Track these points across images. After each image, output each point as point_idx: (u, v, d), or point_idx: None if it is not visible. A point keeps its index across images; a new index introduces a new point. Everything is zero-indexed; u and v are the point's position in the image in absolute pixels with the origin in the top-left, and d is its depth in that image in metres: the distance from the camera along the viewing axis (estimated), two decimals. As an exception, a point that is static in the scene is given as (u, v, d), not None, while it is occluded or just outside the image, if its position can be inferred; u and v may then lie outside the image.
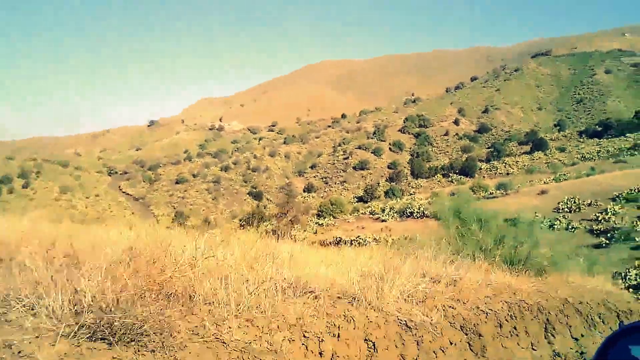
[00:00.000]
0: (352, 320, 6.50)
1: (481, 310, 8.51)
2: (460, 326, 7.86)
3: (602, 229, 39.25)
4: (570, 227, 41.36)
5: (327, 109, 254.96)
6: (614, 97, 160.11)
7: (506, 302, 9.21)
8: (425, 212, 48.21)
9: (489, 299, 9.08)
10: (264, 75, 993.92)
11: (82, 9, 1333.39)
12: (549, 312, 9.84)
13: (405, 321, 7.01)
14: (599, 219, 41.92)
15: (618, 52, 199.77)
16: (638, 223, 36.75)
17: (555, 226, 41.64)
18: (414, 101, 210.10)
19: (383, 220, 52.09)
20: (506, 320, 8.81)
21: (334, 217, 56.81)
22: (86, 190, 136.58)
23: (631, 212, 41.83)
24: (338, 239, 42.48)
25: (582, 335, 10.12)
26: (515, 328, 8.90)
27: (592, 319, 10.70)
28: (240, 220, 69.01)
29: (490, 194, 58.89)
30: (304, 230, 48.11)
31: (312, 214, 61.03)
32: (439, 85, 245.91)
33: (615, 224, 39.17)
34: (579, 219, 43.10)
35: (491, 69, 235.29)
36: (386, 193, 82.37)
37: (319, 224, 53.22)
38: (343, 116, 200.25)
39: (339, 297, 7.19)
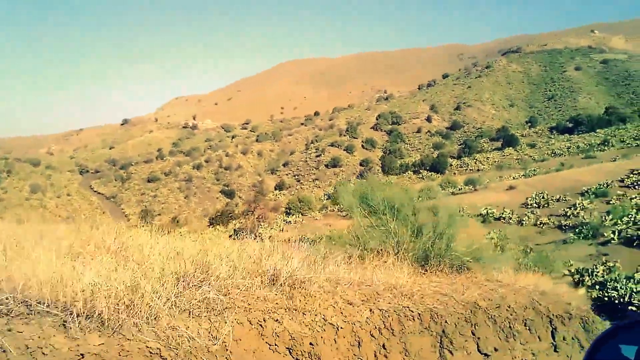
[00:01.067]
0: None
1: (329, 323, 6.39)
2: (287, 348, 5.85)
3: (570, 225, 38.75)
4: (538, 222, 40.96)
5: (300, 106, 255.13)
6: (585, 94, 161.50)
7: (380, 310, 7.10)
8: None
9: (351, 307, 6.91)
10: (238, 74, 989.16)
11: (56, 7, 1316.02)
12: (447, 321, 7.71)
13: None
14: (568, 214, 41.54)
15: (588, 49, 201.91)
16: (606, 218, 36.41)
17: (524, 222, 41.34)
18: (387, 98, 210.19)
19: (351, 217, 51.19)
20: (372, 335, 6.75)
21: (302, 215, 56.03)
22: (57, 189, 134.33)
23: (600, 207, 41.60)
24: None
25: (496, 349, 8.17)
26: (384, 346, 6.76)
27: (511, 327, 8.74)
28: (210, 219, 68.14)
29: (459, 189, 58.61)
30: (271, 228, 47.21)
31: (281, 212, 60.23)
32: (411, 82, 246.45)
33: (584, 219, 38.81)
34: (548, 215, 42.62)
35: (463, 67, 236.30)
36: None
37: (286, 222, 52.39)
38: (316, 114, 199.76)
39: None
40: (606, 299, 18.87)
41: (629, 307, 17.95)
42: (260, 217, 47.22)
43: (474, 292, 9.05)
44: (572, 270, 23.97)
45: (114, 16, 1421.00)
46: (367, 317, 6.88)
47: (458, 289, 9.06)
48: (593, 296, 18.75)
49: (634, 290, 18.82)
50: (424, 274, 10.24)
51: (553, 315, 9.78)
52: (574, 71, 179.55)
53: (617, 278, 20.83)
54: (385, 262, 9.68)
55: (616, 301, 18.63)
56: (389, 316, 7.12)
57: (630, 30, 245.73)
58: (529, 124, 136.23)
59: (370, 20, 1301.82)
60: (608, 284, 20.29)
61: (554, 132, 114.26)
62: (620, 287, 19.43)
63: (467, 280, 10.18)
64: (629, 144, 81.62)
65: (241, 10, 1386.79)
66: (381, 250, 10.97)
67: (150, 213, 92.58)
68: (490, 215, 43.49)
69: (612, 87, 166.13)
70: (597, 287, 20.75)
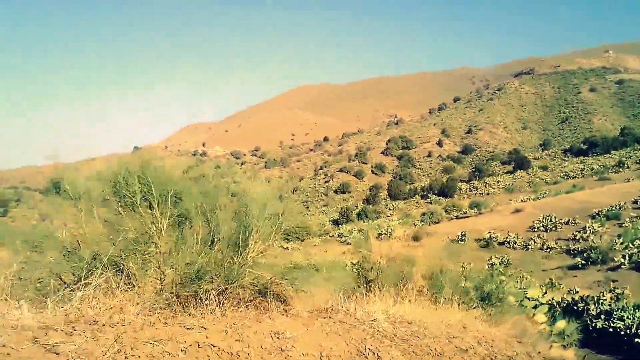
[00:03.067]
0: None
1: None
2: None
3: (579, 249, 36.14)
4: (545, 247, 38.38)
5: (311, 132, 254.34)
6: (600, 115, 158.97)
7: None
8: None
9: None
10: (248, 101, 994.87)
11: (68, 34, 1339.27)
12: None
13: None
14: (577, 237, 38.98)
15: (602, 69, 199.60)
16: (617, 242, 33.70)
17: (530, 246, 38.68)
18: (397, 123, 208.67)
19: (349, 244, 49.17)
20: None
21: (301, 241, 53.70)
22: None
23: (611, 230, 38.92)
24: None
25: None
26: None
27: None
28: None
29: (463, 213, 56.17)
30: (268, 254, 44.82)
31: (279, 238, 57.91)
32: (422, 106, 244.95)
33: (594, 243, 36.11)
34: (555, 239, 40.08)
35: (474, 90, 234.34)
36: (358, 215, 79.20)
37: (283, 248, 50.06)
38: (325, 139, 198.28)
39: None
40: (611, 329, 16.70)
41: (635, 340, 15.66)
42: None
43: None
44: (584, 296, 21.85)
45: (126, 44, 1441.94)
46: None
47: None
48: (598, 326, 16.64)
49: (643, 320, 16.42)
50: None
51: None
52: (589, 92, 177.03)
53: (625, 306, 18.46)
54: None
55: (622, 332, 16.37)
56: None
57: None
58: (542, 147, 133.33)
59: (381, 47, 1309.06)
60: (614, 313, 17.95)
61: (568, 154, 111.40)
62: (627, 317, 17.07)
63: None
64: (645, 165, 78.88)
65: (252, 37, 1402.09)
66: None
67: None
68: (494, 239, 41.02)
69: (627, 108, 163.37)
70: (603, 316, 18.40)
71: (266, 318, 6.67)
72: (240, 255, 7.38)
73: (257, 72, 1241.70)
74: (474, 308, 11.89)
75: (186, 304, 6.45)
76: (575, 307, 20.15)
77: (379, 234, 48.22)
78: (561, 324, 15.41)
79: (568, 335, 14.81)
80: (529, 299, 16.39)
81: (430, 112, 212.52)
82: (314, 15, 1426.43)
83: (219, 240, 7.41)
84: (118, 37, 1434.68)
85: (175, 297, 6.43)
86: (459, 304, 11.39)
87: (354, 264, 19.21)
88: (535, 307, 16.04)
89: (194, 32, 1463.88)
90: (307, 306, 7.75)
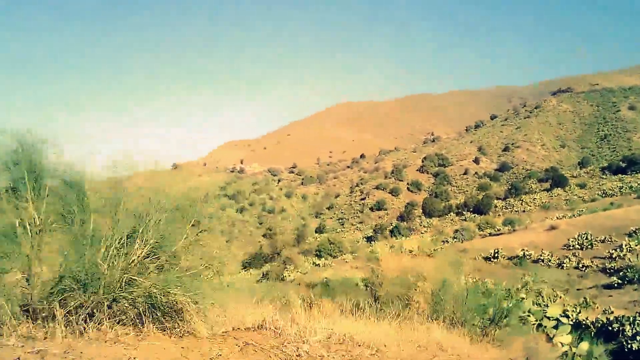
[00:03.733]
0: None
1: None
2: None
3: (615, 268, 35.59)
4: (580, 265, 38.03)
5: (349, 149, 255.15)
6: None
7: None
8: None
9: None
10: (288, 118, 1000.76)
11: (105, 51, 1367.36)
12: None
13: None
14: (613, 256, 38.30)
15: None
16: (655, 260, 33.53)
17: (564, 265, 38.42)
18: (433, 140, 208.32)
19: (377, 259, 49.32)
20: None
21: (332, 257, 54.33)
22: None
23: (649, 249, 38.57)
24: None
25: None
26: None
27: None
28: (243, 262, 67.05)
29: (497, 230, 56.02)
30: (297, 271, 45.61)
31: (312, 254, 58.60)
32: (458, 125, 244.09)
33: (630, 261, 35.92)
34: (591, 257, 39.53)
35: (511, 107, 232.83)
36: (391, 232, 79.49)
37: (314, 264, 50.73)
38: (362, 156, 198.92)
39: None
40: (647, 351, 16.74)
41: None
42: (286, 260, 45.78)
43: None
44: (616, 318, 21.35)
45: (171, 60, 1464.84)
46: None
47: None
48: (634, 348, 16.67)
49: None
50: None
51: None
52: (628, 110, 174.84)
53: (662, 328, 18.48)
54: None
55: (659, 354, 16.42)
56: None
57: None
58: (580, 165, 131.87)
59: (418, 64, 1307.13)
60: (650, 334, 17.97)
61: (606, 172, 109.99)
62: (664, 339, 17.11)
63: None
64: (685, 183, 77.71)
65: (293, 53, 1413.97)
66: None
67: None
68: (527, 257, 40.81)
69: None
70: (639, 337, 18.49)
71: (133, 340, 5.70)
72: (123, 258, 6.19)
73: (300, 87, 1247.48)
74: (480, 329, 11.59)
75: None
76: (610, 328, 19.98)
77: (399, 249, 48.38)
78: (584, 345, 14.42)
79: (596, 358, 13.90)
80: (548, 318, 15.30)
81: (467, 130, 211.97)
82: (357, 32, 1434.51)
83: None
84: (162, 53, 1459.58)
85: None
86: (453, 324, 10.95)
87: (364, 280, 19.23)
88: (556, 327, 15.06)
89: (242, 48, 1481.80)
90: (222, 324, 6.93)
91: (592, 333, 15.66)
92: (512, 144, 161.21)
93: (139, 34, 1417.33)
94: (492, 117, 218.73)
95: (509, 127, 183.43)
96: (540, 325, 14.79)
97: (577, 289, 32.26)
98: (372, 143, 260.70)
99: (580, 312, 22.30)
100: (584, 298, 26.02)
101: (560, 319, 15.14)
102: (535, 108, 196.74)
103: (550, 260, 39.90)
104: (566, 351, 13.59)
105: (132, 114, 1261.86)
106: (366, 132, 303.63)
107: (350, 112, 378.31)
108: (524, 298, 18.68)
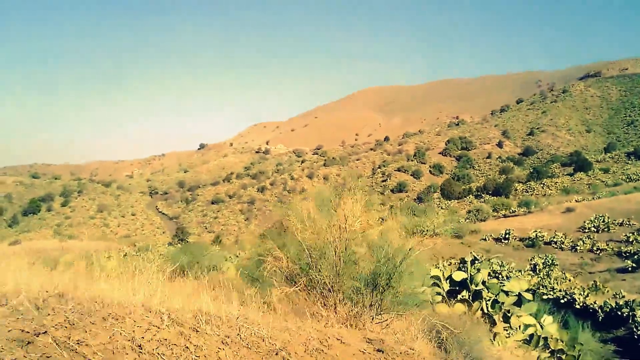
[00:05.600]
0: None
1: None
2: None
3: (631, 251, 34.64)
4: (595, 248, 37.15)
5: (375, 133, 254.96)
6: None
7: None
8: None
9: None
10: (317, 101, 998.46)
11: (139, 37, 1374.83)
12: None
13: None
14: (630, 240, 37.49)
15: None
16: (673, 244, 32.75)
17: (578, 247, 37.52)
18: (458, 124, 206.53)
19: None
20: None
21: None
22: (123, 209, 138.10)
23: (669, 232, 37.78)
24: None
25: None
26: None
27: None
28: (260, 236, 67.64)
29: (512, 211, 55.49)
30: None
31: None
32: (485, 109, 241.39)
33: (647, 245, 35.21)
34: (606, 240, 38.66)
35: (538, 92, 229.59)
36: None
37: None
38: (386, 139, 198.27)
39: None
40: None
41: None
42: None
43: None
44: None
45: (201, 44, 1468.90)
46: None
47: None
48: None
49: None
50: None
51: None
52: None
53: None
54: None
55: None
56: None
57: None
58: (606, 150, 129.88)
59: (446, 50, 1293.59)
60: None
61: (632, 157, 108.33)
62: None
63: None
64: None
65: (324, 39, 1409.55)
66: None
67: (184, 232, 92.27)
68: (540, 239, 40.01)
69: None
70: None
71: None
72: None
73: (331, 71, 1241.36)
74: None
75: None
76: (619, 313, 19.24)
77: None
78: (551, 328, 12.32)
79: (582, 344, 12.29)
80: (506, 293, 12.55)
81: (492, 114, 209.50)
82: (388, 17, 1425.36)
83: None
84: (191, 37, 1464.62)
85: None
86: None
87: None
88: (519, 305, 12.52)
89: (273, 33, 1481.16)
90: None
91: (553, 313, 13.25)
92: (538, 128, 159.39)
93: (178, 16, 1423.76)
94: (518, 102, 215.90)
95: (535, 112, 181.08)
96: (496, 301, 12.42)
97: (590, 272, 31.73)
98: (400, 127, 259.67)
99: (588, 295, 21.89)
100: (594, 282, 25.70)
101: (525, 295, 12.49)
102: (562, 92, 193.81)
103: (563, 243, 39.11)
104: (532, 333, 12.04)
105: (165, 95, 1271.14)
106: (394, 117, 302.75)
107: (379, 97, 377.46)
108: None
